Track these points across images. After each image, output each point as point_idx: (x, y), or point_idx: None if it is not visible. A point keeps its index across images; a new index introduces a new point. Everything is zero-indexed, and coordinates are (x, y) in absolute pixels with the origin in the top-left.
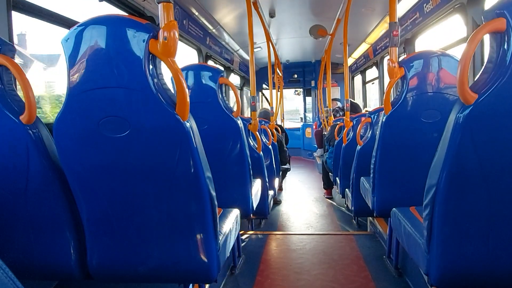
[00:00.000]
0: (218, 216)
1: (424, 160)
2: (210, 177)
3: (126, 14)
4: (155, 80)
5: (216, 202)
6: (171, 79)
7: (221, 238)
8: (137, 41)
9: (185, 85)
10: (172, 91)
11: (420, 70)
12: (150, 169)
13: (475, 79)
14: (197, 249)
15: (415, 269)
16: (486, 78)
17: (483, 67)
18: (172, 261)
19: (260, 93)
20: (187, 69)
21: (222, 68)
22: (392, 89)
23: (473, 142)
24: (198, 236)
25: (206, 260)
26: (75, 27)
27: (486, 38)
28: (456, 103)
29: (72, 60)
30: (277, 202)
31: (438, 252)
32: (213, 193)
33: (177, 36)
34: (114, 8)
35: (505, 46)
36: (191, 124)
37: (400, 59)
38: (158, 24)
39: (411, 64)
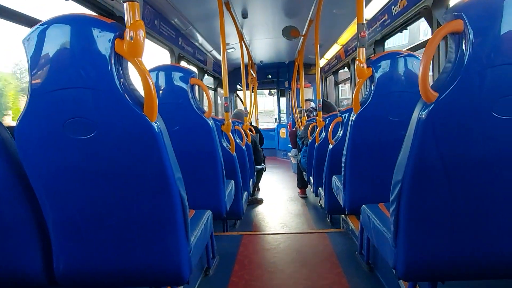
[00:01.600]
0: (190, 218)
1: (392, 158)
2: (180, 178)
3: (95, 14)
4: (122, 80)
5: (187, 204)
6: None
7: (192, 239)
8: (102, 40)
9: (152, 86)
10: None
11: (387, 70)
12: (118, 172)
13: (436, 79)
14: (168, 252)
15: (385, 264)
16: (445, 77)
17: (443, 67)
18: (143, 265)
19: (234, 94)
20: (157, 69)
21: (195, 69)
22: (361, 89)
23: (435, 139)
24: (169, 238)
25: (177, 262)
26: (37, 26)
27: None
28: (419, 102)
29: (34, 60)
30: (258, 202)
31: (404, 246)
32: (184, 195)
33: (144, 36)
34: (82, 8)
35: (463, 47)
36: (159, 125)
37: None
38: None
39: (379, 64)
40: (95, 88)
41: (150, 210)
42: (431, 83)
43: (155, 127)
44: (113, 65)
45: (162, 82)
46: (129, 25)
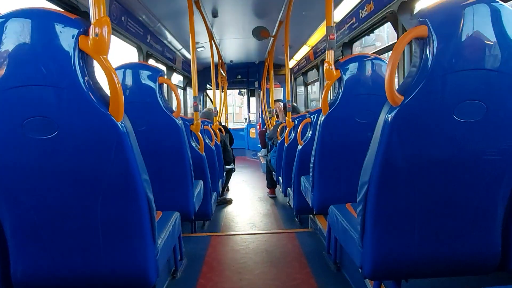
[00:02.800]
0: (157, 220)
1: (359, 159)
2: (147, 180)
3: (59, 8)
4: (86, 78)
5: (154, 206)
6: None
7: (159, 242)
8: (65, 36)
9: (118, 84)
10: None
11: (355, 72)
12: (82, 173)
13: (401, 82)
14: (134, 255)
15: (352, 263)
16: (410, 81)
17: (409, 71)
18: (108, 268)
19: (204, 93)
20: (124, 67)
21: (163, 68)
22: (330, 91)
23: (400, 140)
24: (135, 242)
25: (143, 265)
26: None
27: None
28: (385, 104)
29: None
30: (227, 202)
31: (370, 246)
32: (151, 196)
33: (109, 33)
34: (44, 2)
35: (427, 52)
36: (126, 124)
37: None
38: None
39: (347, 67)
40: (57, 86)
41: (115, 213)
42: (397, 86)
43: (121, 126)
44: (77, 62)
45: (129, 81)
46: (94, 21)
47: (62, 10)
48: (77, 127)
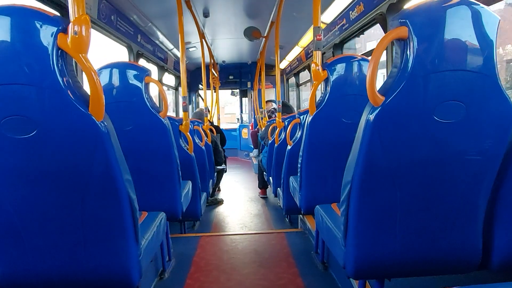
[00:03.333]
0: (142, 220)
1: (345, 159)
2: (129, 180)
3: (44, 6)
4: (66, 77)
5: (136, 206)
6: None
7: (143, 243)
8: (44, 34)
9: (98, 83)
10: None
11: (342, 73)
12: (61, 173)
13: (383, 83)
14: (116, 255)
15: (338, 263)
16: (391, 82)
17: (390, 71)
18: (90, 269)
19: (196, 93)
20: (110, 66)
21: (154, 68)
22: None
23: (381, 141)
24: (117, 242)
25: (126, 266)
26: None
27: None
28: (367, 105)
29: None
30: (218, 202)
31: (353, 245)
32: (133, 196)
33: (88, 31)
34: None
35: (407, 53)
36: (106, 124)
37: None
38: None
39: (334, 68)
40: (36, 84)
41: (96, 213)
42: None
43: (101, 126)
44: (56, 61)
45: (115, 80)
46: (74, 19)
47: (47, 8)
48: (57, 126)
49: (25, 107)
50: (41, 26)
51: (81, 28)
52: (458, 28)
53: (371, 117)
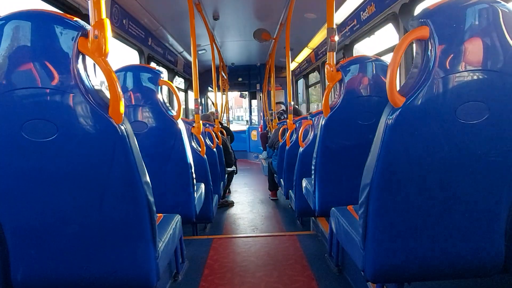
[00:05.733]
0: (157, 223)
1: (361, 161)
2: (148, 182)
3: (60, 11)
4: (86, 80)
5: (154, 208)
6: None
7: (160, 245)
8: (65, 39)
9: (118, 86)
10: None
11: (356, 74)
12: (82, 175)
13: (403, 84)
14: (134, 257)
15: (354, 266)
16: (412, 82)
17: (410, 72)
18: (108, 271)
19: (206, 96)
20: (125, 70)
21: (164, 71)
22: (331, 93)
23: (402, 142)
24: (136, 245)
25: (144, 268)
26: None
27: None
28: (387, 106)
29: None
30: (229, 204)
31: (372, 248)
32: (151, 199)
33: (108, 35)
34: (45, 5)
35: (429, 53)
36: (126, 127)
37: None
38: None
39: (348, 69)
40: (57, 88)
41: (115, 216)
42: (398, 88)
43: (121, 129)
44: (76, 65)
45: (129, 83)
46: (94, 23)
47: (62, 12)
48: (77, 129)
49: (46, 110)
50: (62, 31)
51: (101, 31)
52: (479, 27)
53: (391, 118)
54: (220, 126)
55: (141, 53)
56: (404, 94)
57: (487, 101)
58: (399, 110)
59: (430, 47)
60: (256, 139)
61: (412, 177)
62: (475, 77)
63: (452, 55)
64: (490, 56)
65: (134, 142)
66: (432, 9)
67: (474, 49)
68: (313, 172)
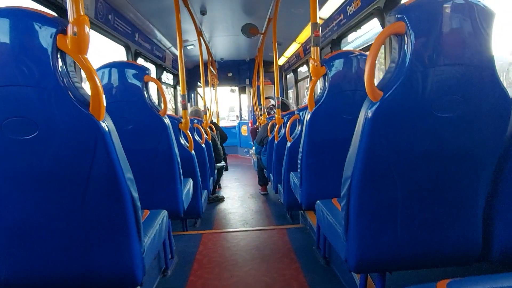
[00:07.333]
0: (144, 219)
1: (345, 154)
2: (131, 179)
3: (43, 7)
4: (66, 78)
5: (139, 204)
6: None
7: (146, 240)
8: (43, 36)
9: (99, 83)
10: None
11: (340, 69)
12: (63, 173)
13: (381, 78)
14: (119, 254)
15: (340, 258)
16: (389, 77)
17: (388, 67)
18: (94, 268)
19: (195, 91)
20: (109, 66)
21: (153, 66)
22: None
23: (380, 135)
24: (120, 241)
25: (130, 264)
26: None
27: None
28: (366, 100)
29: None
30: (219, 200)
31: (354, 239)
32: (135, 195)
33: (88, 32)
34: (28, 1)
35: (405, 48)
36: (107, 123)
37: None
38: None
39: (332, 63)
40: (36, 85)
41: (99, 212)
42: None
43: (102, 126)
44: (56, 62)
45: (114, 80)
46: (72, 19)
47: (45, 8)
48: (58, 127)
49: (26, 108)
50: (40, 28)
51: (80, 28)
52: (455, 22)
53: (370, 112)
54: (210, 122)
55: (128, 48)
56: (382, 88)
57: (463, 95)
58: (377, 104)
59: (406, 42)
60: (246, 134)
61: (391, 169)
62: (451, 72)
63: (428, 50)
64: (465, 51)
65: (117, 139)
66: (408, 5)
67: (450, 44)
68: (299, 166)
